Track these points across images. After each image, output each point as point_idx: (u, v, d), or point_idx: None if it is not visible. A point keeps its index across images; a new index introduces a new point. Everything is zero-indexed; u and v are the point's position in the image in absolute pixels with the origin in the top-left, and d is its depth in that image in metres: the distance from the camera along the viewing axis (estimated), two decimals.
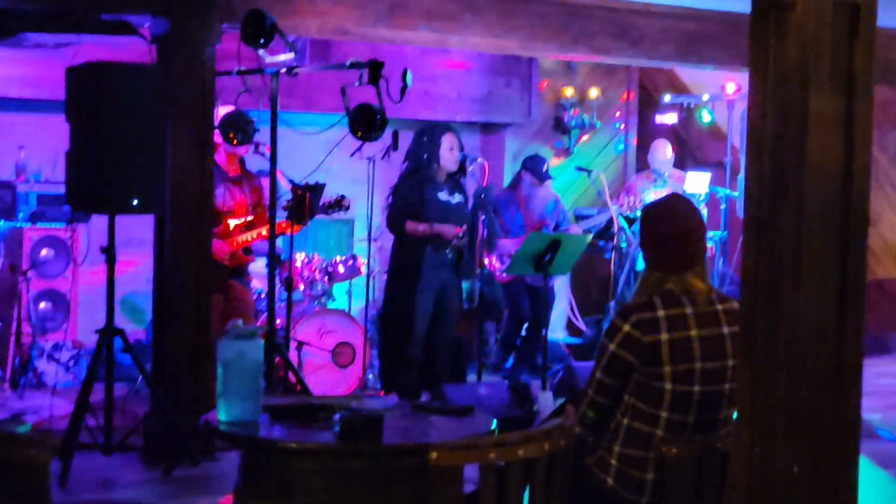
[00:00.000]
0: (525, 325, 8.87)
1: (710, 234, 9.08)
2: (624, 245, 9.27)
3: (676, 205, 3.83)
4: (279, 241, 7.21)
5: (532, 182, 8.76)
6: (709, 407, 3.69)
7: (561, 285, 9.93)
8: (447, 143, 7.41)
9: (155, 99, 6.02)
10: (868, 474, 6.27)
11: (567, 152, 10.58)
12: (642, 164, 10.49)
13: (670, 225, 3.74)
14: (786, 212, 3.02)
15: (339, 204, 7.54)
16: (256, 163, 7.50)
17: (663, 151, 9.81)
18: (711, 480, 3.66)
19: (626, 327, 3.65)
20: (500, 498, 3.26)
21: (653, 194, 9.29)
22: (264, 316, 7.49)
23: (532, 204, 8.83)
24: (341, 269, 8.45)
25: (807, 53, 2.84)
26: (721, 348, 3.69)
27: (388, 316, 7.62)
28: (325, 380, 7.79)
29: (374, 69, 6.12)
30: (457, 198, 7.49)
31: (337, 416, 3.87)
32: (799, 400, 3.06)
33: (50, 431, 6.41)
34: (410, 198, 7.38)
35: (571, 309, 10.10)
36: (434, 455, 3.15)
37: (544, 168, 8.76)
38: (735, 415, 3.38)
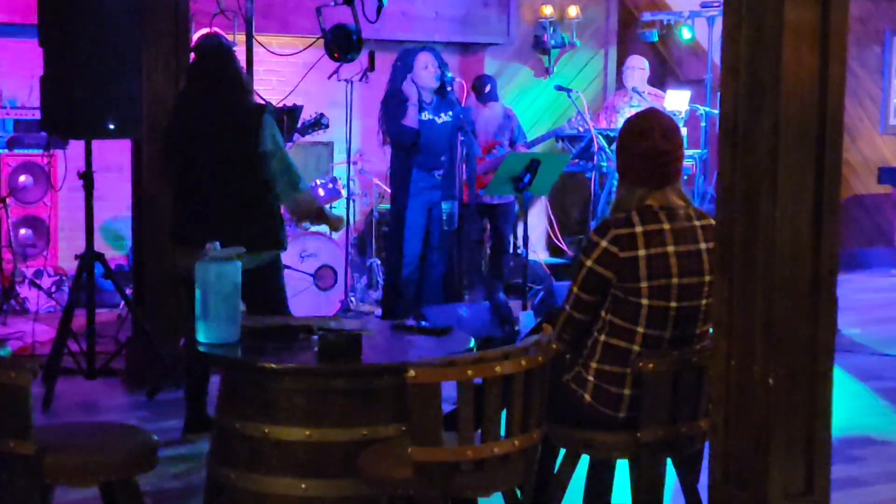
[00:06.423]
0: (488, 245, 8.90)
1: (690, 152, 9.04)
2: (604, 164, 9.23)
3: (656, 120, 3.79)
4: None
5: (475, 105, 8.44)
6: (685, 322, 3.71)
7: (541, 205, 9.93)
8: (421, 63, 7.36)
9: (129, 21, 5.94)
10: (846, 387, 6.34)
11: (547, 72, 10.52)
12: (622, 83, 10.43)
13: (653, 140, 3.71)
14: (762, 124, 3.02)
15: (318, 123, 7.48)
16: None
17: (639, 68, 9.72)
18: (687, 395, 3.68)
19: (604, 243, 3.64)
20: (478, 415, 3.28)
21: (629, 112, 9.21)
22: None
23: (478, 126, 8.44)
24: (321, 192, 8.41)
25: None
26: (698, 264, 3.69)
27: (388, 237, 7.82)
28: (307, 303, 7.81)
29: None
30: (443, 117, 7.45)
31: (316, 337, 3.89)
32: (775, 312, 3.08)
33: (32, 357, 6.41)
34: (395, 117, 7.36)
35: (552, 228, 10.10)
36: (412, 373, 3.17)
37: (486, 89, 8.45)
38: (711, 329, 3.40)
